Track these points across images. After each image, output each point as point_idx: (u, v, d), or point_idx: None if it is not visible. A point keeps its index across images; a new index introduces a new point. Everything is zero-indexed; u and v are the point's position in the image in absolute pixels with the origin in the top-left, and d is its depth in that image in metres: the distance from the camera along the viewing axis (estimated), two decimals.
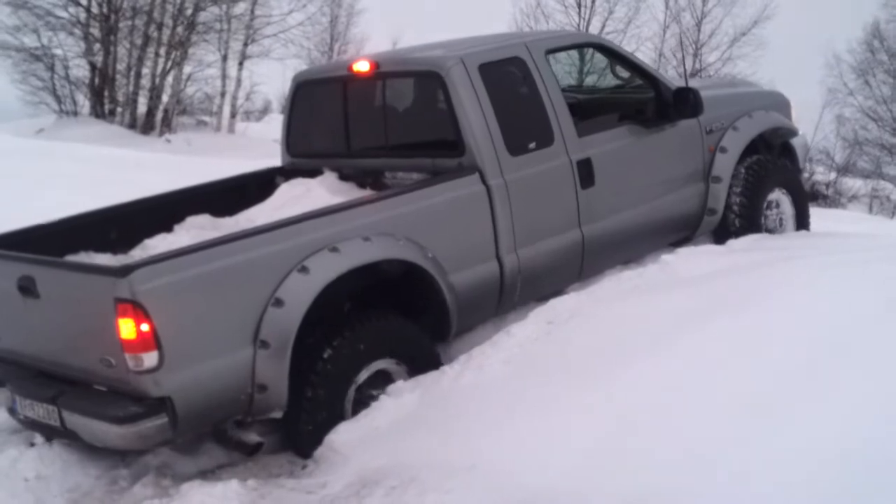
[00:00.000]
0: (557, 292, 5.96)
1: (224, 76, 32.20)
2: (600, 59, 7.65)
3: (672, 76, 8.21)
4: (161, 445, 4.75)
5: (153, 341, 4.24)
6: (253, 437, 4.84)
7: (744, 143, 7.12)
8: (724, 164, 7.01)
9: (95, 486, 4.84)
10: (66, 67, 29.42)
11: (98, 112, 29.29)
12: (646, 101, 6.68)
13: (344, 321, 4.98)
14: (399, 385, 5.00)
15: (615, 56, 6.99)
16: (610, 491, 3.61)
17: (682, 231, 7.01)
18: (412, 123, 6.31)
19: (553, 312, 5.41)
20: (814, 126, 34.06)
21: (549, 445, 4.04)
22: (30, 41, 28.60)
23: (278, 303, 4.62)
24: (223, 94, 32.47)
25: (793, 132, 7.75)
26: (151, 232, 5.70)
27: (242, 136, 30.24)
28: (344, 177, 6.23)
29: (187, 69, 31.19)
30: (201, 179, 6.68)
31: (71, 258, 5.28)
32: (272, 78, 30.49)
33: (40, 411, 4.78)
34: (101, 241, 5.60)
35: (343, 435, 4.70)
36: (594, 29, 36.78)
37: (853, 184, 34.77)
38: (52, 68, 29.22)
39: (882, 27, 38.92)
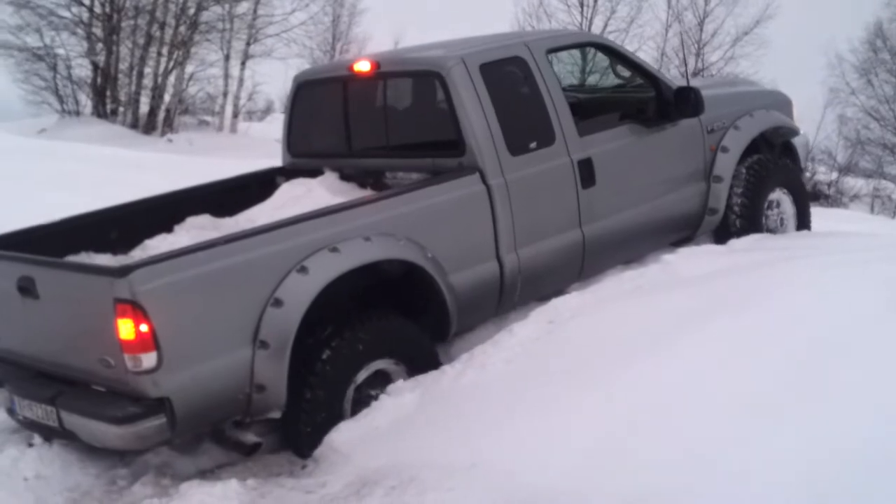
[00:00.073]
0: (559, 292, 5.96)
1: (226, 76, 32.20)
2: (602, 59, 7.64)
3: (674, 75, 8.20)
4: (159, 446, 4.76)
5: (152, 342, 4.24)
6: (251, 438, 4.84)
7: (745, 142, 7.12)
8: (726, 164, 7.00)
9: (95, 485, 4.85)
10: (69, 67, 29.43)
11: (100, 112, 29.29)
12: (647, 101, 6.67)
13: (343, 321, 4.97)
14: (399, 384, 5.00)
15: (616, 55, 6.99)
16: (610, 491, 3.60)
17: (683, 231, 7.01)
18: (413, 123, 6.31)
19: (555, 312, 5.41)
20: (816, 125, 34.09)
21: (550, 445, 4.03)
22: (32, 41, 28.63)
23: (277, 303, 4.62)
24: (225, 94, 32.46)
25: (794, 131, 7.75)
26: (152, 232, 5.69)
27: (245, 136, 30.21)
28: (345, 177, 6.23)
29: (189, 69, 31.20)
30: (203, 179, 6.68)
31: (71, 259, 5.28)
32: (274, 77, 30.42)
33: (39, 412, 4.78)
34: (102, 242, 5.60)
35: (343, 434, 4.70)
36: (596, 28, 36.76)
37: (855, 183, 34.77)
38: (54, 68, 29.23)
39: (885, 27, 38.95)
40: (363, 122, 6.36)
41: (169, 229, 5.75)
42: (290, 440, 5.00)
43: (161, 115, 30.21)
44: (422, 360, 5.19)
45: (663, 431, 3.86)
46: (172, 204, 6.11)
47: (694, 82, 7.02)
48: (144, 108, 30.05)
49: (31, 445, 4.99)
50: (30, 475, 4.79)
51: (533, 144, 5.84)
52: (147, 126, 29.48)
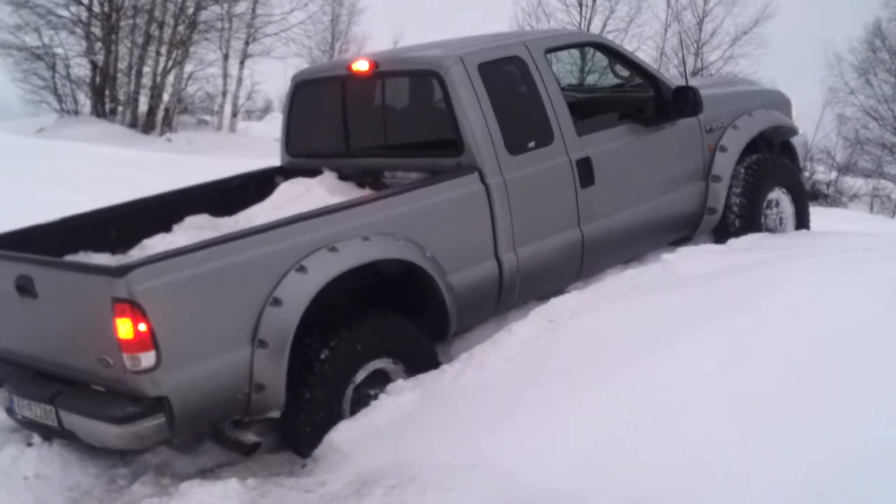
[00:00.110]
0: (558, 291, 5.96)
1: (225, 75, 32.23)
2: (601, 58, 7.64)
3: (673, 75, 8.20)
4: (159, 445, 4.76)
5: (150, 341, 4.23)
6: (250, 437, 4.83)
7: (744, 141, 7.12)
8: (724, 163, 7.00)
9: (95, 484, 4.85)
10: (68, 66, 29.46)
11: (99, 111, 29.30)
12: (645, 100, 6.67)
13: (341, 321, 4.97)
14: (399, 384, 5.00)
15: (615, 55, 6.99)
16: (610, 491, 3.60)
17: (681, 230, 7.01)
18: (411, 123, 6.30)
19: (554, 311, 5.41)
20: (815, 125, 34.08)
21: (550, 445, 4.03)
22: (31, 40, 28.65)
23: (276, 302, 4.61)
24: (224, 93, 32.49)
25: (793, 131, 7.74)
26: (150, 232, 5.69)
27: (244, 136, 30.23)
28: (343, 176, 6.23)
29: (188, 68, 31.24)
30: (202, 179, 6.68)
31: (70, 258, 5.27)
32: (273, 77, 30.42)
33: (38, 411, 4.78)
34: (100, 241, 5.59)
35: (343, 434, 4.69)
36: (595, 28, 36.77)
37: (854, 183, 34.76)
38: (53, 67, 29.25)
39: (883, 26, 38.92)
40: (362, 121, 6.35)
41: (167, 229, 5.74)
42: (289, 440, 5.00)
43: (160, 114, 30.23)
44: (421, 360, 5.19)
45: (663, 431, 3.86)
46: (171, 203, 6.10)
47: (693, 82, 7.02)
48: (143, 107, 30.07)
49: (30, 445, 4.99)
50: (30, 474, 4.79)
51: (531, 144, 5.84)
52: (146, 125, 29.49)
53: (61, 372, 4.83)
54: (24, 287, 4.71)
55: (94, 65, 29.35)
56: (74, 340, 4.67)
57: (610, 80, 7.84)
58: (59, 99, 29.62)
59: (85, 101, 29.92)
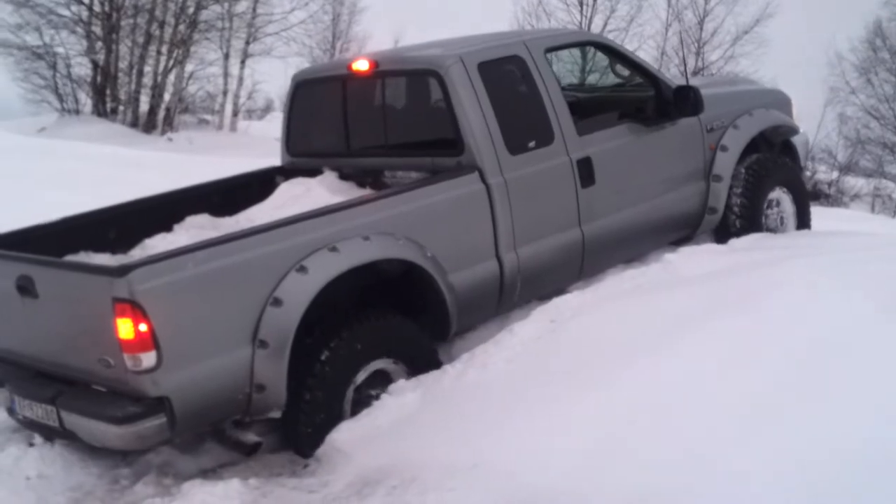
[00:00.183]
0: (560, 291, 5.95)
1: (226, 74, 32.22)
2: (601, 58, 7.64)
3: (674, 74, 8.19)
4: (160, 445, 4.76)
5: (151, 341, 4.23)
6: (251, 437, 4.83)
7: (744, 141, 7.11)
8: (725, 163, 7.00)
9: (97, 484, 4.85)
10: (68, 66, 29.45)
11: (100, 110, 29.30)
12: (646, 100, 6.67)
13: (342, 322, 4.97)
14: (401, 384, 5.00)
15: (615, 54, 6.98)
16: (610, 491, 3.61)
17: (682, 230, 7.00)
18: (411, 122, 6.30)
19: (556, 311, 5.41)
20: (816, 124, 34.03)
21: (551, 445, 4.04)
22: (32, 39, 28.64)
23: (277, 302, 4.61)
24: (225, 93, 32.49)
25: (794, 130, 7.74)
26: (151, 232, 5.69)
27: (244, 135, 30.23)
28: (344, 176, 6.23)
29: (189, 67, 31.22)
30: (203, 178, 6.68)
31: (70, 258, 5.27)
32: (274, 76, 30.41)
33: (39, 411, 4.78)
34: (101, 241, 5.60)
35: (345, 434, 4.70)
36: (596, 27, 36.76)
37: (855, 183, 34.70)
38: (53, 66, 29.25)
39: (884, 25, 38.88)
40: (362, 121, 6.35)
41: (168, 229, 5.75)
42: (290, 440, 5.00)
43: (161, 113, 30.23)
44: (422, 360, 5.19)
45: (663, 431, 3.87)
46: (172, 203, 6.10)
47: (693, 81, 7.02)
48: (144, 106, 30.07)
49: (31, 445, 4.99)
50: (32, 474, 4.79)
51: (532, 143, 5.84)
52: (147, 125, 29.49)
53: (62, 372, 4.83)
54: (25, 287, 4.71)
55: (94, 64, 29.34)
56: (75, 340, 4.66)
57: (610, 79, 7.84)
58: (60, 98, 29.63)
59: (86, 101, 29.92)
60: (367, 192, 6.01)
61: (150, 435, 4.39)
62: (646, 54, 34.15)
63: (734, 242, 6.62)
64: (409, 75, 6.19)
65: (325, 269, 4.78)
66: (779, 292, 4.87)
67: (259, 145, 22.44)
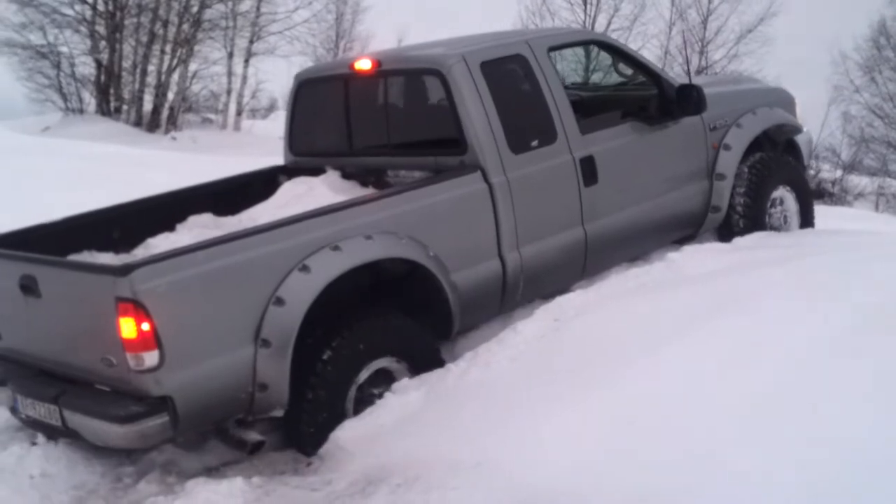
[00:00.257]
0: (563, 290, 5.95)
1: (230, 73, 32.28)
2: (605, 57, 7.63)
3: (678, 73, 8.19)
4: (162, 444, 4.77)
5: (154, 340, 4.24)
6: (254, 436, 4.83)
7: (747, 140, 7.11)
8: (728, 162, 7.00)
9: (101, 483, 4.85)
10: (72, 65, 29.54)
11: (104, 110, 29.35)
12: (649, 98, 6.66)
13: (344, 321, 4.97)
14: (404, 383, 5.00)
15: (618, 53, 6.97)
16: (610, 491, 3.61)
17: (685, 229, 7.00)
18: (414, 122, 6.30)
19: (559, 310, 5.41)
20: (820, 123, 34.01)
21: (553, 444, 4.04)
22: (36, 39, 28.71)
23: (279, 302, 4.61)
24: (229, 92, 32.54)
25: (797, 129, 7.73)
26: (154, 231, 5.70)
27: (248, 134, 30.27)
28: (346, 175, 6.23)
29: (193, 66, 31.26)
30: (207, 177, 6.69)
31: (73, 257, 5.28)
32: (278, 75, 30.42)
33: (42, 410, 4.79)
34: (104, 241, 5.60)
35: (348, 432, 4.70)
36: (600, 26, 36.74)
37: (859, 181, 34.65)
38: (57, 66, 29.31)
39: (888, 24, 38.81)
40: (365, 120, 6.35)
41: (171, 228, 5.76)
42: (292, 439, 5.00)
43: (165, 112, 30.28)
44: (424, 359, 5.19)
45: (664, 431, 3.86)
46: (175, 203, 6.11)
47: (697, 80, 7.00)
48: (148, 105, 30.12)
49: (34, 444, 5.00)
50: (35, 473, 4.79)
51: (534, 142, 5.84)
52: (151, 124, 29.53)
53: (65, 371, 4.83)
54: (28, 287, 4.72)
55: (98, 63, 29.39)
56: (78, 340, 4.67)
57: (614, 78, 7.84)
58: (64, 97, 29.70)
59: (90, 100, 30.01)
60: (369, 191, 6.01)
61: (153, 434, 4.39)
62: (649, 53, 34.15)
63: (738, 241, 6.62)
64: (412, 74, 6.19)
65: (327, 268, 4.78)
66: (782, 291, 4.88)
67: (262, 144, 22.43)
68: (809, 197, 7.75)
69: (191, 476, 4.72)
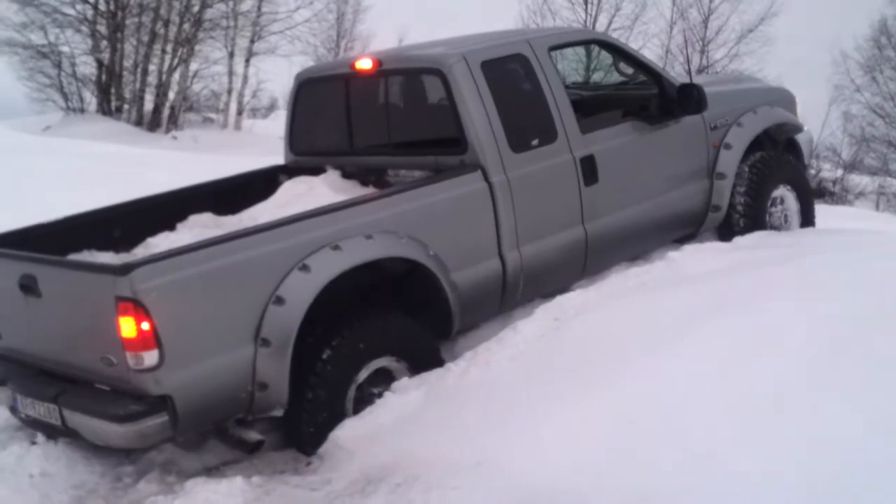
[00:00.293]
0: (564, 289, 5.95)
1: (231, 73, 32.29)
2: (605, 56, 7.63)
3: (679, 73, 8.18)
4: (162, 443, 4.77)
5: (153, 340, 4.24)
6: (253, 436, 4.83)
7: (748, 139, 7.11)
8: (729, 161, 6.99)
9: (100, 482, 4.86)
10: (73, 64, 29.56)
11: (105, 109, 29.38)
12: (650, 98, 6.66)
13: (344, 320, 4.97)
14: (404, 382, 5.00)
15: (619, 52, 6.97)
16: (610, 490, 3.60)
17: (685, 228, 7.00)
18: (415, 121, 6.30)
19: (559, 309, 5.41)
20: (820, 122, 34.01)
21: (553, 444, 4.03)
22: (37, 38, 28.75)
23: (279, 301, 4.61)
24: (230, 91, 32.54)
25: (798, 128, 7.73)
26: (154, 230, 5.70)
27: (249, 133, 30.31)
28: (347, 174, 6.23)
29: (194, 66, 31.28)
30: (208, 176, 6.69)
31: (73, 257, 5.28)
32: (279, 75, 30.43)
33: (41, 410, 4.79)
34: (104, 240, 5.60)
35: (348, 432, 4.70)
36: (601, 26, 36.74)
37: (860, 180, 34.66)
38: (58, 65, 29.33)
39: (889, 24, 38.82)
40: (365, 119, 6.35)
41: (171, 227, 5.76)
42: (292, 439, 5.00)
43: (165, 112, 30.31)
44: (424, 358, 5.19)
45: (664, 431, 3.86)
46: (175, 202, 6.11)
47: (697, 79, 7.00)
48: (149, 105, 30.16)
49: (34, 443, 5.00)
50: (35, 472, 4.79)
51: (535, 142, 5.83)
52: (151, 123, 29.56)
53: (64, 370, 4.83)
54: (28, 286, 4.72)
55: (99, 63, 29.41)
56: (78, 339, 4.67)
57: (615, 77, 7.83)
58: (65, 97, 29.73)
59: (91, 99, 30.05)
60: (369, 190, 6.01)
61: (153, 433, 4.39)
62: (650, 53, 34.16)
63: (738, 240, 6.62)
64: (413, 74, 6.18)
65: (327, 267, 4.78)
66: (782, 291, 4.87)
67: (263, 144, 22.46)
68: (810, 196, 7.74)
69: (190, 475, 4.72)
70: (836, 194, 31.95)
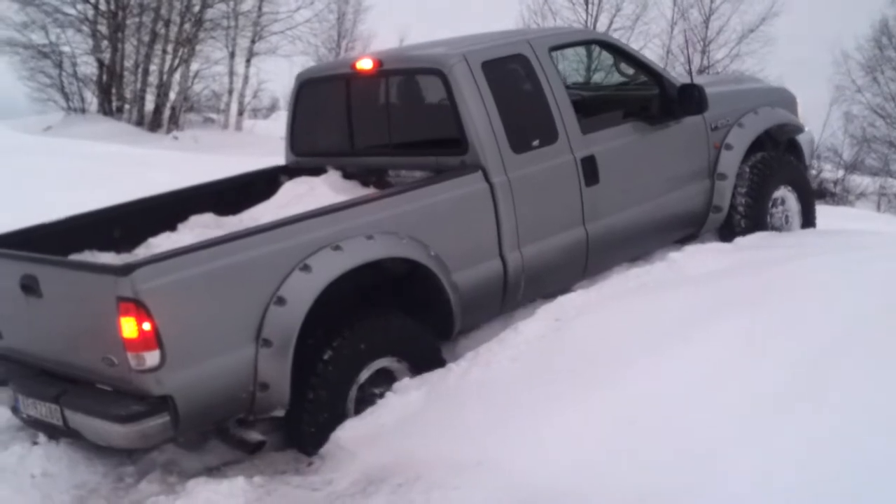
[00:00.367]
0: (564, 289, 5.95)
1: (231, 73, 32.31)
2: (606, 57, 7.63)
3: (680, 73, 8.18)
4: (163, 444, 4.78)
5: (155, 340, 4.24)
6: (254, 436, 4.83)
7: (749, 139, 7.10)
8: (730, 161, 6.99)
9: (102, 482, 4.86)
10: (74, 64, 29.58)
11: (106, 109, 29.40)
12: (650, 98, 6.66)
13: (345, 320, 4.97)
14: (405, 382, 5.00)
15: (619, 53, 6.97)
16: (610, 491, 3.61)
17: (687, 228, 7.00)
18: (415, 121, 6.30)
19: (560, 309, 5.40)
20: (821, 123, 33.99)
21: (553, 444, 4.04)
22: (38, 38, 28.77)
23: (280, 301, 4.61)
24: (230, 92, 32.58)
25: (799, 129, 7.73)
26: (155, 231, 5.70)
27: (250, 134, 30.33)
28: (347, 175, 6.23)
29: (195, 66, 31.30)
30: (208, 177, 6.69)
31: (75, 257, 5.28)
32: (280, 75, 30.48)
33: (43, 410, 4.79)
34: (105, 240, 5.61)
35: (349, 432, 4.70)
36: (602, 26, 36.75)
37: (861, 181, 34.64)
38: (59, 65, 29.36)
39: (890, 24, 38.78)
40: (366, 120, 6.35)
41: (172, 228, 5.76)
42: (293, 439, 5.01)
43: (166, 112, 30.33)
44: (425, 359, 5.19)
45: (664, 431, 3.87)
46: (176, 202, 6.12)
47: (698, 80, 7.00)
48: (150, 105, 30.19)
49: (35, 443, 5.00)
50: (37, 472, 4.80)
51: (536, 142, 5.83)
52: (152, 123, 29.58)
53: (66, 371, 4.83)
54: (29, 286, 4.72)
55: (100, 63, 29.44)
56: (79, 339, 4.67)
57: (615, 78, 7.83)
58: (66, 97, 29.76)
59: (92, 99, 30.09)
60: (370, 191, 6.01)
61: (154, 433, 4.39)
62: (651, 53, 34.18)
63: (740, 241, 6.61)
64: (413, 74, 6.19)
65: (328, 267, 4.78)
66: (783, 291, 4.86)
67: (264, 144, 22.48)
68: (811, 197, 7.74)
69: (192, 476, 4.73)
70: (837, 195, 31.93)
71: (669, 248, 6.64)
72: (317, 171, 6.29)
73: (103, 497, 4.73)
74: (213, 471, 4.90)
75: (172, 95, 30.68)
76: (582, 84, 8.10)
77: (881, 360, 3.97)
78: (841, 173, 35.13)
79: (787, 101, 7.75)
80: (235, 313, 4.56)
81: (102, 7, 29.27)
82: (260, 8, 32.30)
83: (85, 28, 29.21)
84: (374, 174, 6.16)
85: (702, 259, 6.04)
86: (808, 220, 7.59)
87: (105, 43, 29.25)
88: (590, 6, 38.02)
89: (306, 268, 4.71)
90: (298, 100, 6.61)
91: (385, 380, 5.07)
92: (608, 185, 6.14)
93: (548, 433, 4.12)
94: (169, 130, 28.94)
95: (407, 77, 6.25)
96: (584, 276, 6.21)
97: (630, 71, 7.17)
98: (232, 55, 32.00)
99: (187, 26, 30.45)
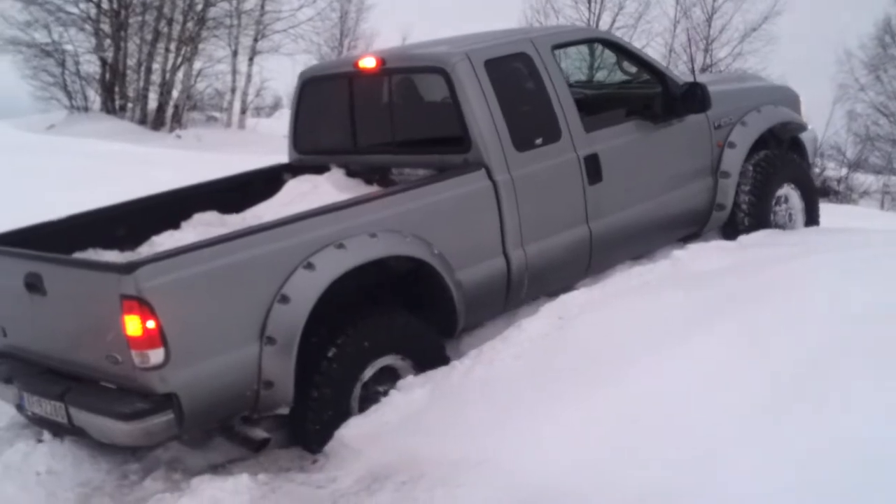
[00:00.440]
0: (568, 287, 5.95)
1: (234, 72, 32.32)
2: (609, 55, 7.62)
3: (682, 72, 8.17)
4: (168, 441, 4.78)
5: (159, 338, 4.25)
6: (259, 434, 4.84)
7: (752, 138, 7.10)
8: (733, 160, 6.98)
9: (106, 480, 4.87)
10: (77, 63, 29.62)
11: (109, 108, 29.43)
12: (653, 97, 6.65)
13: (348, 319, 4.97)
14: (409, 380, 5.01)
15: (622, 51, 6.97)
16: (610, 490, 3.61)
17: (690, 227, 6.99)
18: (418, 120, 6.29)
19: (564, 308, 5.40)
20: (825, 121, 33.95)
21: (556, 442, 4.04)
22: (41, 37, 28.83)
23: (284, 299, 4.62)
24: (233, 90, 32.59)
25: (802, 127, 7.72)
26: (159, 229, 5.70)
27: (253, 132, 30.34)
28: (351, 173, 6.23)
29: (197, 65, 31.32)
30: (211, 175, 6.70)
31: (78, 255, 5.29)
32: (282, 73, 30.52)
33: (48, 408, 4.79)
34: (109, 239, 5.61)
35: (353, 430, 4.71)
36: (604, 24, 36.72)
37: (864, 179, 34.62)
38: (62, 64, 29.40)
39: (893, 22, 38.76)
40: (369, 118, 6.35)
41: (176, 226, 5.77)
42: (298, 437, 5.01)
43: (169, 111, 30.35)
44: (429, 356, 5.20)
45: (665, 431, 3.87)
46: (179, 200, 6.12)
47: (701, 78, 6.99)
48: (153, 104, 30.21)
49: (40, 441, 5.01)
50: (41, 470, 4.81)
51: (539, 140, 5.83)
52: (155, 122, 29.60)
53: (70, 369, 4.84)
54: (33, 284, 4.73)
55: (103, 61, 29.47)
56: (83, 337, 4.68)
57: (618, 76, 7.83)
58: (69, 95, 29.81)
59: (94, 98, 30.12)
60: (374, 189, 6.01)
61: (159, 431, 4.40)
62: (654, 51, 34.11)
63: (743, 239, 6.61)
64: (416, 73, 6.19)
65: (332, 266, 4.78)
66: (786, 290, 4.86)
67: (267, 142, 22.48)
68: (814, 195, 7.74)
69: (196, 473, 4.72)
70: (840, 193, 31.91)
71: (673, 247, 6.64)
72: (320, 169, 6.29)
73: (108, 494, 4.74)
74: (217, 468, 4.91)
75: (175, 94, 30.71)
76: (585, 82, 8.09)
77: (884, 360, 3.97)
78: (844, 171, 35.11)
79: (790, 99, 7.74)
80: (239, 311, 4.56)
81: (105, 6, 29.31)
82: (263, 6, 32.33)
83: (88, 26, 29.27)
84: (377, 172, 6.16)
85: (705, 257, 6.04)
86: (811, 219, 7.58)
87: (108, 41, 29.29)
88: (592, 4, 38.00)
89: (310, 266, 4.71)
90: (301, 98, 6.61)
91: (389, 377, 5.08)
92: (611, 184, 6.14)
93: (550, 432, 4.13)
94: (172, 129, 28.97)
95: (410, 75, 6.25)
96: (587, 275, 6.21)
97: (633, 69, 7.16)
98: (235, 53, 32.02)
99: (190, 25, 30.48)
